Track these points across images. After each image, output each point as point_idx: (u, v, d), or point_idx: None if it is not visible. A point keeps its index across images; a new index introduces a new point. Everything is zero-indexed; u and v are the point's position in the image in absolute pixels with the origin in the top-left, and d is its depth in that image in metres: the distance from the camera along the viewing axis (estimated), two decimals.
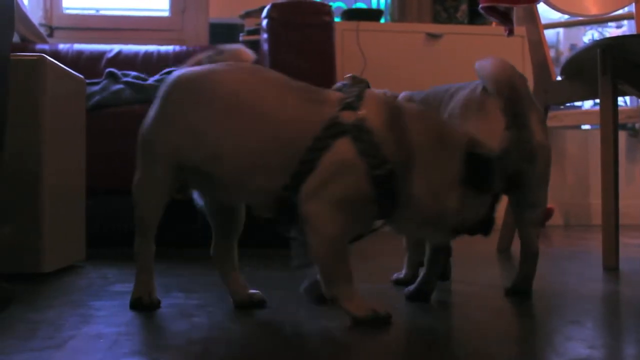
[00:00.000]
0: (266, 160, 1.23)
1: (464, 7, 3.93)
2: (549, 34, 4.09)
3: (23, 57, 1.75)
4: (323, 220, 1.19)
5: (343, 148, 1.18)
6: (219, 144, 1.26)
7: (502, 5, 2.05)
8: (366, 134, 1.19)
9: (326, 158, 1.18)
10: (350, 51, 3.58)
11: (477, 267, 2.20)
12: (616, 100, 2.06)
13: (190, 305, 1.43)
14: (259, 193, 1.26)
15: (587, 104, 4.26)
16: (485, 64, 1.50)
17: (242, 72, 1.32)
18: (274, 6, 2.72)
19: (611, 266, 2.00)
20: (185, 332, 1.17)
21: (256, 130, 1.24)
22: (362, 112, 1.21)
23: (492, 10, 2.08)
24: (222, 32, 3.84)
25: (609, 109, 2.04)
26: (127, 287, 1.65)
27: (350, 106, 1.22)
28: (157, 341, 1.10)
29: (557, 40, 4.58)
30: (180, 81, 1.35)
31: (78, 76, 2.07)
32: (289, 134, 1.23)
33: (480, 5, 2.06)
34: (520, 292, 1.56)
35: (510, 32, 2.18)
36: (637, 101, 4.39)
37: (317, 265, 1.22)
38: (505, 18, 2.11)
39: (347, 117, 1.21)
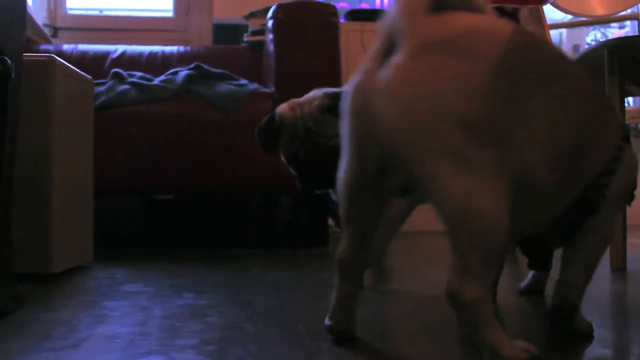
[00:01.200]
0: (588, 156, 1.06)
1: None
2: (552, 34, 4.09)
3: (33, 58, 1.75)
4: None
5: (631, 150, 1.15)
6: (562, 136, 1.00)
7: (510, 6, 2.05)
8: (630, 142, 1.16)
9: (626, 158, 1.12)
10: (355, 52, 3.58)
11: None
12: (623, 101, 2.06)
13: (201, 305, 1.43)
14: (569, 193, 1.07)
15: None
16: None
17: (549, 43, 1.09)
18: (279, 7, 2.72)
19: (618, 266, 2.01)
20: (200, 332, 1.18)
21: (586, 121, 1.05)
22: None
23: (499, 10, 2.08)
24: (226, 33, 3.84)
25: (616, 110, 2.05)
26: (137, 288, 1.65)
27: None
28: (173, 341, 1.10)
29: (560, 41, 4.59)
30: (521, 45, 0.98)
31: (86, 77, 2.08)
32: (604, 127, 1.10)
33: (490, 6, 2.06)
34: (533, 292, 1.57)
35: None
36: None
37: (592, 264, 1.17)
38: (512, 19, 2.12)
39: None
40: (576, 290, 1.17)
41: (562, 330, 1.17)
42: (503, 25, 0.99)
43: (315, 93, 1.59)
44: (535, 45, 1.01)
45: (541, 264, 1.56)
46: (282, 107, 1.59)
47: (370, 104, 0.96)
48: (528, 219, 1.03)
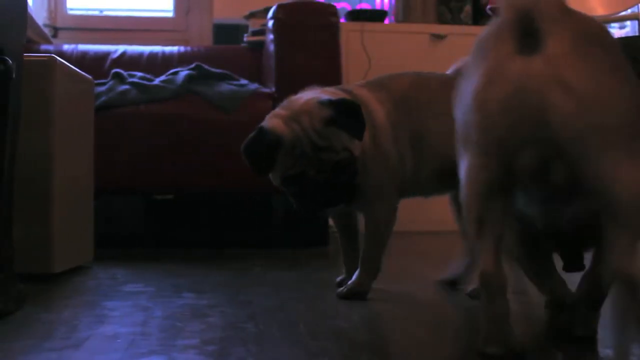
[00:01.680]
0: None
1: (468, 8, 3.94)
2: None
3: (33, 58, 1.75)
4: None
5: None
6: None
7: None
8: None
9: None
10: (355, 52, 3.58)
11: None
12: None
13: (202, 305, 1.43)
14: None
15: None
16: None
17: None
18: (280, 7, 2.72)
19: None
20: (201, 332, 1.18)
21: None
22: None
23: None
24: (226, 33, 3.84)
25: None
26: (137, 288, 1.65)
27: None
28: (174, 341, 1.11)
29: None
30: None
31: (87, 77, 2.08)
32: None
33: (489, 6, 2.06)
34: None
35: None
36: None
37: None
38: None
39: None
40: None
41: (565, 325, 1.16)
42: None
43: (305, 103, 1.49)
44: None
45: (576, 264, 1.54)
46: (275, 123, 1.46)
47: (532, 92, 0.94)
48: None
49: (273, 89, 2.69)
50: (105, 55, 3.11)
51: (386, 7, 4.15)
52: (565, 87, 0.93)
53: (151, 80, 2.73)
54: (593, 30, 0.99)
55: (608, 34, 1.03)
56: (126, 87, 2.66)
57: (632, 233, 0.94)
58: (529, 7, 0.97)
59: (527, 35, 0.96)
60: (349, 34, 3.60)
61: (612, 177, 0.93)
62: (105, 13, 4.03)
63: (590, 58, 0.96)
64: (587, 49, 0.96)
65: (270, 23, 2.74)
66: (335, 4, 3.26)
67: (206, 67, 2.82)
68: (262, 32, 3.11)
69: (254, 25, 3.34)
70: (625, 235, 0.94)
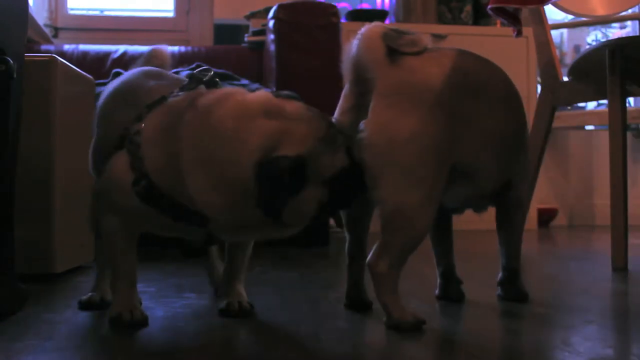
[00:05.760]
0: None
1: (468, 8, 3.94)
2: (553, 34, 4.10)
3: (34, 58, 1.75)
4: None
5: None
6: None
7: (511, 7, 2.05)
8: None
9: None
10: None
11: (486, 267, 2.20)
12: (624, 101, 2.07)
13: (203, 305, 1.43)
14: None
15: (591, 105, 4.26)
16: None
17: None
18: (280, 7, 2.73)
19: (620, 266, 2.01)
20: (202, 333, 1.18)
21: None
22: None
23: (500, 10, 2.08)
24: (227, 33, 3.85)
25: (618, 110, 2.05)
26: (138, 288, 1.65)
27: None
28: (176, 342, 1.11)
29: (561, 41, 4.59)
30: None
31: (87, 77, 2.08)
32: None
33: (489, 6, 2.06)
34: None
35: (519, 33, 2.18)
36: None
37: None
38: (513, 19, 2.12)
39: None
40: None
41: None
42: None
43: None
44: None
45: None
46: None
47: None
48: None
49: (274, 89, 2.69)
50: (106, 55, 3.11)
51: (386, 7, 4.15)
52: None
53: None
54: None
55: None
56: None
57: None
58: None
59: None
60: (349, 34, 3.59)
61: None
62: (106, 13, 4.04)
63: None
64: None
65: (271, 23, 2.74)
66: (335, 4, 3.26)
67: (207, 67, 2.82)
68: (262, 32, 3.11)
69: (254, 25, 3.35)
70: None
